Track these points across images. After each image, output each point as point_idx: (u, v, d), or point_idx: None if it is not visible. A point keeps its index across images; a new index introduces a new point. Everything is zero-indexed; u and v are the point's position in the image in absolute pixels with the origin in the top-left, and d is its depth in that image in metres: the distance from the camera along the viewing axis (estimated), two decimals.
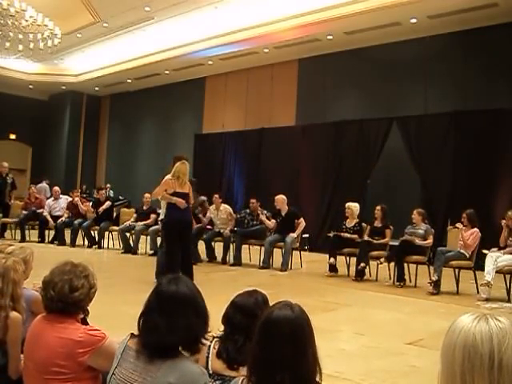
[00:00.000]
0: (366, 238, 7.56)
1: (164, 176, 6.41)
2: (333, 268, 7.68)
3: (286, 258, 8.08)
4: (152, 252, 9.05)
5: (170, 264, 6.02)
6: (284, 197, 8.48)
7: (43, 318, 2.03)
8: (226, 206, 9.25)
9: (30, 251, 2.76)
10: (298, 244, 8.46)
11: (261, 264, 8.16)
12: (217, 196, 9.13)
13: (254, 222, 8.72)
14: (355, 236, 7.69)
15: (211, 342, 2.05)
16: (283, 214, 8.41)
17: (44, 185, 14.46)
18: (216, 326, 2.12)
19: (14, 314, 2.22)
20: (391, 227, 7.57)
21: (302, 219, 8.37)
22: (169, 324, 1.65)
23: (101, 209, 10.33)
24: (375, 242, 7.42)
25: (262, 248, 8.36)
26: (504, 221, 6.55)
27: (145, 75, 15.72)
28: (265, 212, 8.73)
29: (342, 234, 7.78)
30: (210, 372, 1.98)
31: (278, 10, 11.09)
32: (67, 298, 1.96)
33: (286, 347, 1.40)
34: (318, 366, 1.45)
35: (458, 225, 6.87)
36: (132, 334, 1.77)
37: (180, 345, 1.68)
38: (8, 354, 2.18)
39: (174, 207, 6.15)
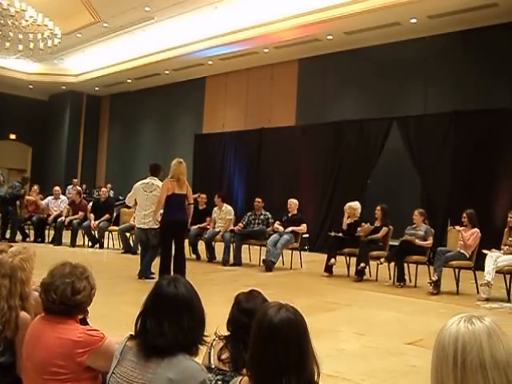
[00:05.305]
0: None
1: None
2: (328, 269, 7.64)
3: (277, 251, 8.07)
4: None
5: (163, 263, 6.20)
6: (297, 201, 8.63)
7: (42, 318, 2.02)
8: (229, 206, 9.28)
9: (33, 251, 2.75)
10: (297, 244, 8.46)
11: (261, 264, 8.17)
12: (216, 197, 9.22)
13: (256, 221, 8.73)
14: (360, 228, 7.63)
15: (213, 340, 2.06)
16: (289, 215, 8.53)
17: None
18: (215, 325, 2.12)
19: (23, 314, 2.23)
20: (390, 227, 7.56)
21: (304, 225, 8.47)
22: (165, 326, 1.66)
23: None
24: (370, 237, 7.39)
25: (263, 248, 8.36)
26: (507, 228, 6.51)
27: (145, 75, 15.71)
28: (269, 215, 8.74)
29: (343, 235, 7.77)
30: (213, 366, 1.99)
31: (278, 9, 11.08)
32: (69, 300, 1.95)
33: (291, 351, 1.39)
34: (316, 366, 1.44)
35: (457, 227, 6.87)
36: (131, 335, 1.77)
37: (177, 347, 1.67)
38: (16, 353, 2.18)
39: (170, 208, 6.22)
